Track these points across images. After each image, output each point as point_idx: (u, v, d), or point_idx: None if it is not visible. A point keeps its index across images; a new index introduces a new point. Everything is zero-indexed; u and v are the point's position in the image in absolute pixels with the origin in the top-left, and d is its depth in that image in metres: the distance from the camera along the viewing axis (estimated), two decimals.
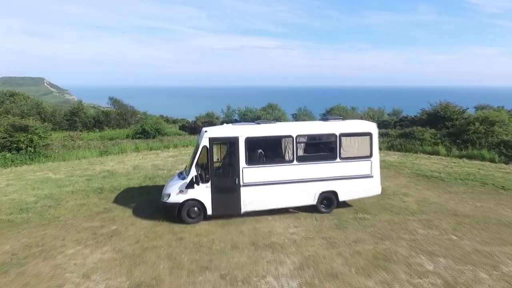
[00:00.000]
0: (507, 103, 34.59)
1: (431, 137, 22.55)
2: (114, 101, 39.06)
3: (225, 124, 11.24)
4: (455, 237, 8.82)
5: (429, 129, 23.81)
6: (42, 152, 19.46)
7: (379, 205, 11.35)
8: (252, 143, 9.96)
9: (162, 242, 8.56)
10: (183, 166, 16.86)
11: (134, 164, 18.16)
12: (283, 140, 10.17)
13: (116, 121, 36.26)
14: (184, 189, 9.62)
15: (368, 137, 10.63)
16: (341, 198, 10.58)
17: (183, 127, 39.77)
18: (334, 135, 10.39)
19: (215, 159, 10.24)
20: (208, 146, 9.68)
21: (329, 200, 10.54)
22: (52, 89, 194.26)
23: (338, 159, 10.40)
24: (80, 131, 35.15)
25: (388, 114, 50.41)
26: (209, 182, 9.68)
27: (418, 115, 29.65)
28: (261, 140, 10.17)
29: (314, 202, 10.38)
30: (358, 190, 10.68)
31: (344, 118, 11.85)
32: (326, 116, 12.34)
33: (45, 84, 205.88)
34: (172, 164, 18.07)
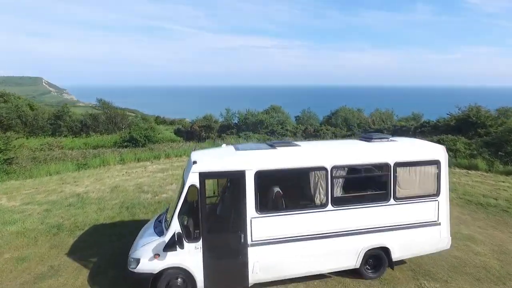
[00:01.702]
0: None
1: (465, 148, 19.26)
2: (103, 103, 35.54)
3: (224, 146, 7.78)
4: None
5: (460, 137, 20.55)
6: (3, 168, 16.10)
7: (443, 260, 7.98)
8: (266, 179, 6.54)
9: None
10: (172, 186, 13.48)
11: (113, 183, 14.79)
12: (312, 174, 6.73)
13: (104, 126, 32.93)
14: (162, 251, 6.23)
15: (434, 167, 7.25)
16: (395, 256, 7.16)
17: (178, 131, 36.50)
18: (387, 165, 6.98)
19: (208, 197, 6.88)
20: (198, 185, 6.27)
21: (377, 259, 7.16)
22: (51, 89, 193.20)
23: (391, 200, 7.01)
24: (65, 136, 31.97)
25: (396, 116, 47.06)
26: (200, 241, 6.29)
27: (443, 119, 26.32)
28: (278, 174, 6.75)
29: (357, 265, 7.00)
30: (419, 244, 7.29)
31: (392, 135, 8.39)
32: (368, 134, 8.69)
33: (44, 83, 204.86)
34: (160, 184, 14.70)
